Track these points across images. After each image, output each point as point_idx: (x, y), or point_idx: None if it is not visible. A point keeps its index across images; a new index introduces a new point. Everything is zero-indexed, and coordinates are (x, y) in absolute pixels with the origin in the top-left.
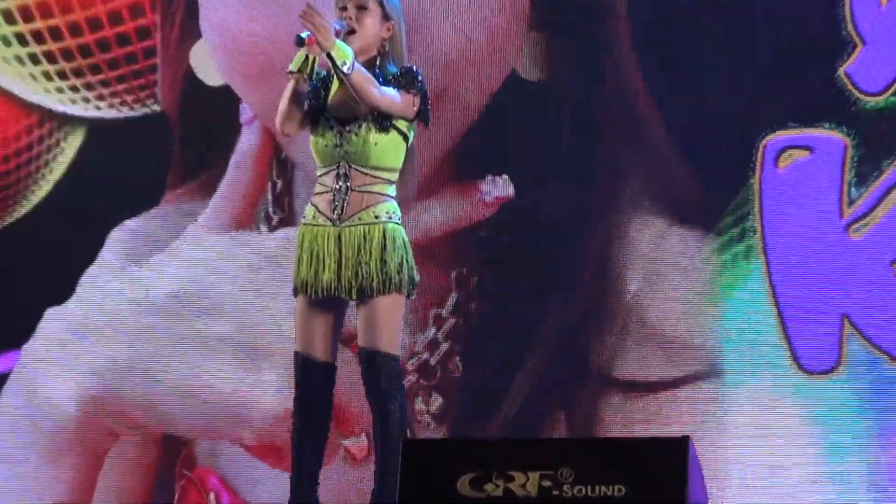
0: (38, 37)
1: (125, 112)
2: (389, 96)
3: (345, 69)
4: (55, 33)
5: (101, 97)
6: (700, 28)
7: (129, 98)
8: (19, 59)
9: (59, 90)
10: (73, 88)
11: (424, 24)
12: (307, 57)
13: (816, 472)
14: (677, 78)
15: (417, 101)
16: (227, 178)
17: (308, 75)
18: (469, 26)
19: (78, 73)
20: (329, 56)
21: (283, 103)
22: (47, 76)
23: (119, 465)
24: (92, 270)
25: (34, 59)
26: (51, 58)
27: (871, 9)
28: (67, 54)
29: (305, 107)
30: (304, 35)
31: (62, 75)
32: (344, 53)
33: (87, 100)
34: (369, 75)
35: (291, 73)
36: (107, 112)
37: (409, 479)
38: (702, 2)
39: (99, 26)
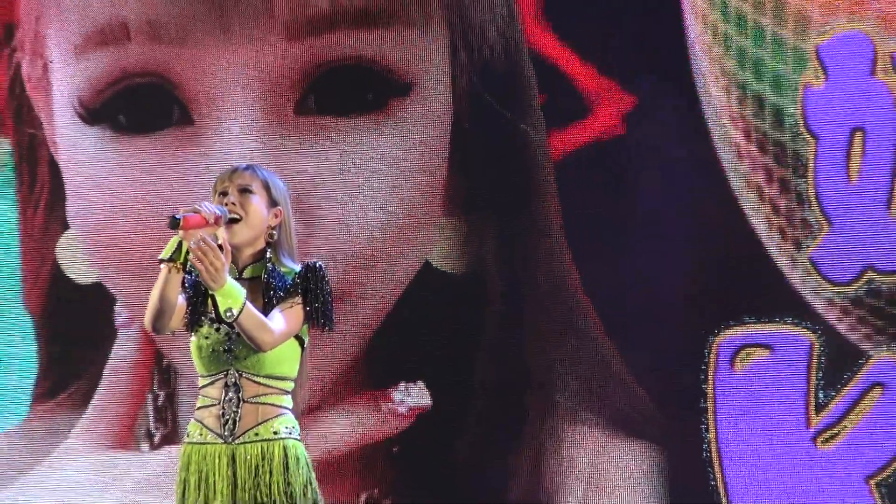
0: None
1: None
2: (280, 334)
3: (227, 317)
4: None
5: None
6: (638, 213)
7: None
8: None
9: None
10: None
11: (325, 214)
12: (181, 243)
13: None
14: (614, 267)
15: (300, 310)
16: (102, 390)
17: (182, 264)
18: (378, 211)
19: None
20: (211, 296)
21: (154, 296)
22: None
23: None
24: None
25: None
26: None
27: (839, 176)
28: None
29: (181, 300)
30: (178, 216)
31: None
32: (231, 298)
33: None
34: (259, 315)
35: (163, 261)
36: None
37: None
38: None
39: None
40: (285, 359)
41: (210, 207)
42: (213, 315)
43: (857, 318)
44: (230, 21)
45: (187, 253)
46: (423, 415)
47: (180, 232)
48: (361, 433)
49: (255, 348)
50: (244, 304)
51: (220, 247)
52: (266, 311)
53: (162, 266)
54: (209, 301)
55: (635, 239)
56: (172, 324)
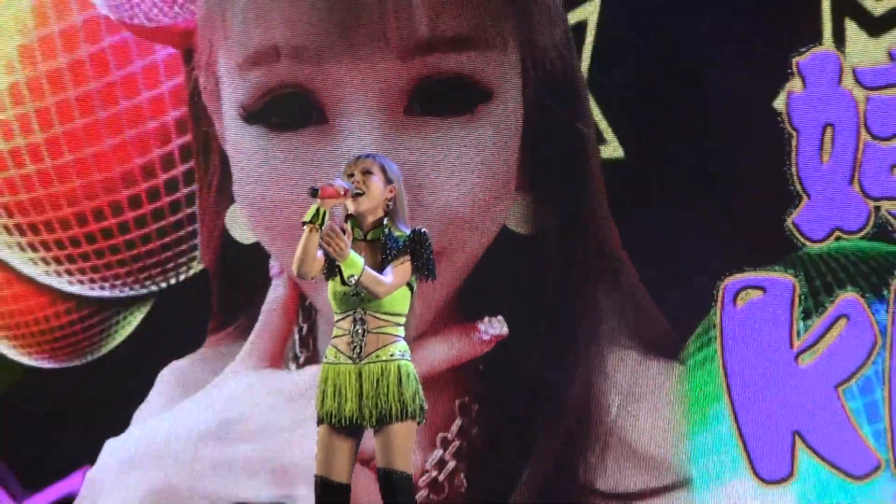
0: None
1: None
2: (391, 285)
3: (351, 281)
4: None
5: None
6: (665, 189)
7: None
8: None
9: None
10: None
11: (432, 187)
12: (319, 209)
13: None
14: (646, 231)
15: (409, 266)
16: (260, 324)
17: (319, 225)
18: (468, 187)
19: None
20: (338, 265)
21: (298, 250)
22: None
23: None
24: (145, 405)
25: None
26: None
27: (814, 161)
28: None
29: (320, 254)
30: (317, 187)
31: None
32: (353, 267)
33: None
34: (374, 275)
35: (305, 223)
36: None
37: None
38: (664, 168)
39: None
40: (399, 300)
41: (341, 183)
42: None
43: (827, 266)
44: (355, 45)
45: (324, 216)
46: (501, 342)
47: (318, 200)
48: (455, 355)
49: (373, 297)
50: (363, 269)
51: (344, 230)
52: (383, 265)
53: (304, 227)
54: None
55: (664, 210)
56: (313, 272)
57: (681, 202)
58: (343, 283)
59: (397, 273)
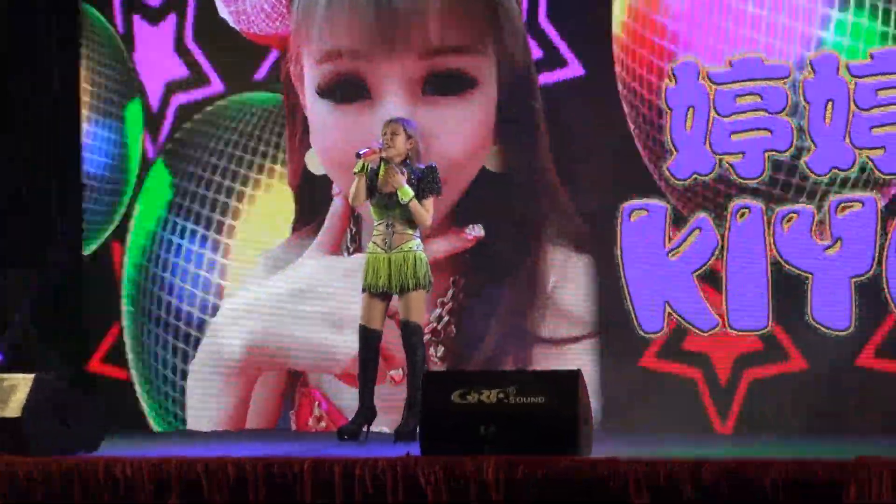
0: None
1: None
2: (429, 215)
3: (403, 202)
4: None
5: None
6: (587, 140)
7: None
8: None
9: None
10: None
11: (438, 141)
12: (363, 164)
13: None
14: (575, 171)
15: (432, 199)
16: (326, 226)
17: (364, 174)
18: (461, 141)
19: None
20: (398, 191)
21: (352, 189)
22: None
23: (264, 387)
24: (249, 277)
25: None
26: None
27: (682, 129)
28: None
29: (364, 189)
30: (361, 152)
31: None
32: (406, 194)
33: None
34: (420, 208)
35: (355, 173)
36: None
37: (427, 393)
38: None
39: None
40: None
41: (376, 144)
42: (383, 192)
43: (688, 196)
44: (391, 49)
45: (367, 167)
46: (480, 240)
47: (363, 158)
48: (450, 248)
49: (416, 219)
50: (412, 198)
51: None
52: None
53: (354, 176)
54: (378, 182)
55: (582, 157)
56: (361, 202)
57: (593, 151)
58: (386, 205)
59: (428, 206)
